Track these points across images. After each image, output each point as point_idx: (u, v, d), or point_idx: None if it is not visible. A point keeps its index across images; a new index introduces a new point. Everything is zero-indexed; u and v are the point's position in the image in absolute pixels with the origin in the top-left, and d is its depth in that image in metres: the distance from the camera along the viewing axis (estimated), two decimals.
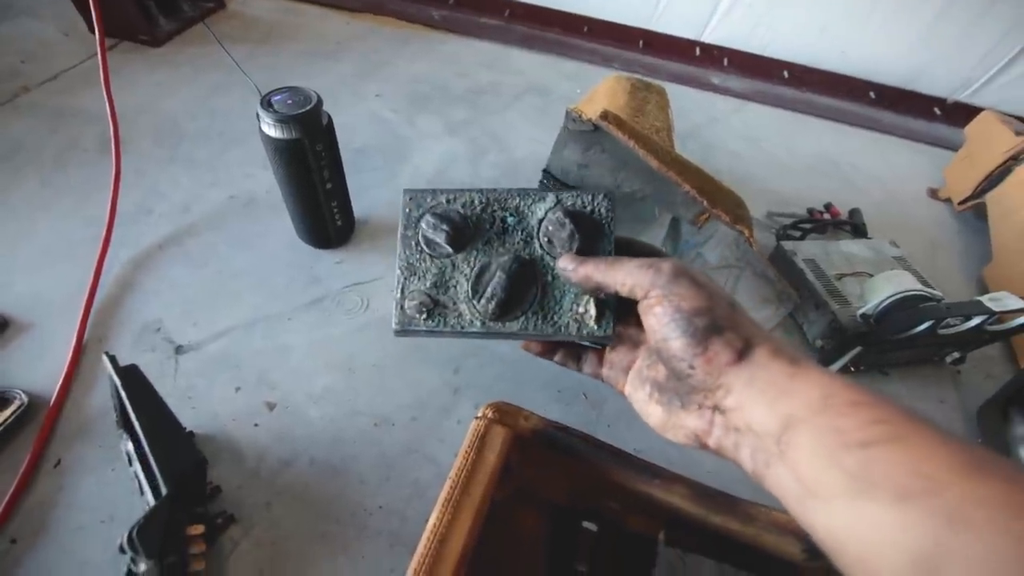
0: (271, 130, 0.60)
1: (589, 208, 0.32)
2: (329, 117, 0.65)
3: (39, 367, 0.61)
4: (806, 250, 0.76)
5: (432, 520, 0.37)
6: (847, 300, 0.68)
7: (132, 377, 0.47)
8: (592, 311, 0.31)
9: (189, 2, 1.21)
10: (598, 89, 0.85)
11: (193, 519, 0.44)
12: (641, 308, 0.28)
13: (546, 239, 0.32)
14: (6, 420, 0.55)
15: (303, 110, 0.60)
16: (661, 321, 0.27)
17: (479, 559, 0.38)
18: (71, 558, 0.49)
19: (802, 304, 0.70)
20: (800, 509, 0.22)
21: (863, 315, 0.64)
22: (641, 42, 1.32)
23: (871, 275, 0.70)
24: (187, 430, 0.55)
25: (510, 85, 1.15)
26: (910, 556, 0.18)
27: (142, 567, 0.38)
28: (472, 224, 0.32)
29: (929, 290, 0.62)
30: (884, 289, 0.63)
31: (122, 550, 0.39)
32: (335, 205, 0.71)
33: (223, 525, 0.50)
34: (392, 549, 0.52)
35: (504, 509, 0.42)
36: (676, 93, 0.90)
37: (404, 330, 0.31)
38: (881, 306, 0.62)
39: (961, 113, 1.19)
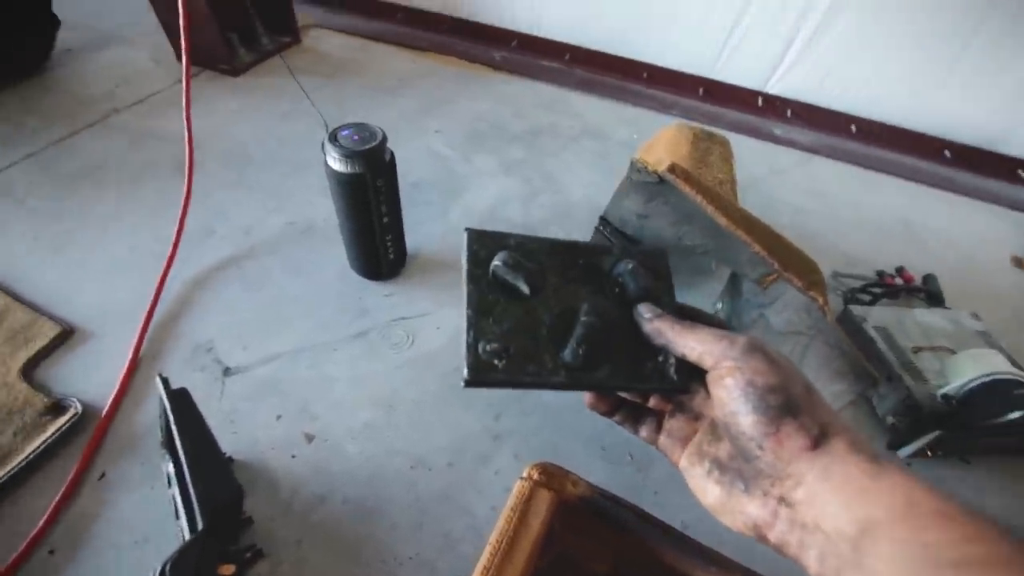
0: (336, 164, 0.62)
1: (652, 265, 0.32)
2: (392, 154, 0.66)
3: (94, 377, 0.63)
4: (877, 317, 0.71)
5: None
6: (924, 376, 0.63)
7: (181, 401, 0.47)
8: (673, 361, 0.30)
9: (268, 36, 1.29)
10: (659, 137, 0.84)
11: (225, 558, 0.43)
12: (710, 378, 0.27)
13: (617, 289, 0.31)
14: (61, 427, 0.57)
15: (368, 146, 0.61)
16: (732, 394, 0.25)
17: None
18: None
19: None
20: None
21: (944, 395, 0.59)
22: (701, 90, 1.31)
23: (952, 351, 0.65)
24: (227, 455, 0.54)
25: (567, 127, 1.16)
26: None
27: None
28: (545, 269, 0.31)
29: (1023, 373, 0.56)
30: (970, 369, 0.57)
31: None
32: (389, 239, 0.72)
33: (252, 560, 0.49)
34: None
35: None
36: (735, 142, 0.88)
37: (478, 379, 0.27)
38: (966, 388, 0.57)
39: None
